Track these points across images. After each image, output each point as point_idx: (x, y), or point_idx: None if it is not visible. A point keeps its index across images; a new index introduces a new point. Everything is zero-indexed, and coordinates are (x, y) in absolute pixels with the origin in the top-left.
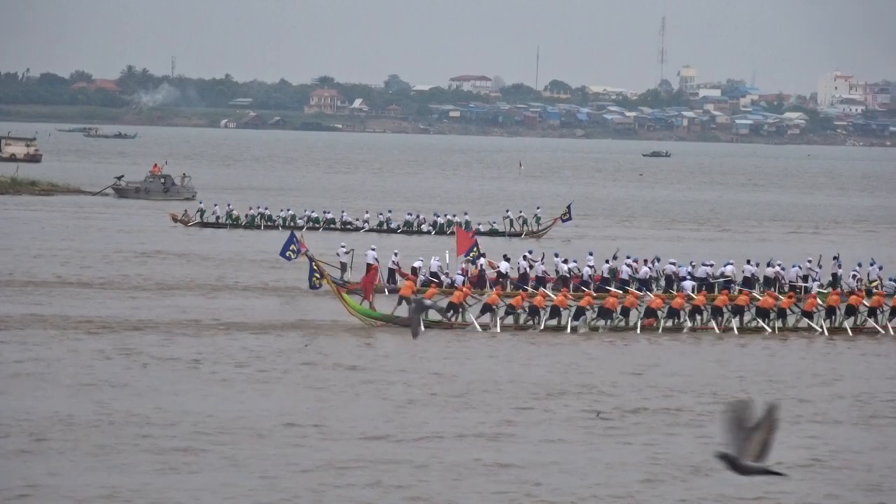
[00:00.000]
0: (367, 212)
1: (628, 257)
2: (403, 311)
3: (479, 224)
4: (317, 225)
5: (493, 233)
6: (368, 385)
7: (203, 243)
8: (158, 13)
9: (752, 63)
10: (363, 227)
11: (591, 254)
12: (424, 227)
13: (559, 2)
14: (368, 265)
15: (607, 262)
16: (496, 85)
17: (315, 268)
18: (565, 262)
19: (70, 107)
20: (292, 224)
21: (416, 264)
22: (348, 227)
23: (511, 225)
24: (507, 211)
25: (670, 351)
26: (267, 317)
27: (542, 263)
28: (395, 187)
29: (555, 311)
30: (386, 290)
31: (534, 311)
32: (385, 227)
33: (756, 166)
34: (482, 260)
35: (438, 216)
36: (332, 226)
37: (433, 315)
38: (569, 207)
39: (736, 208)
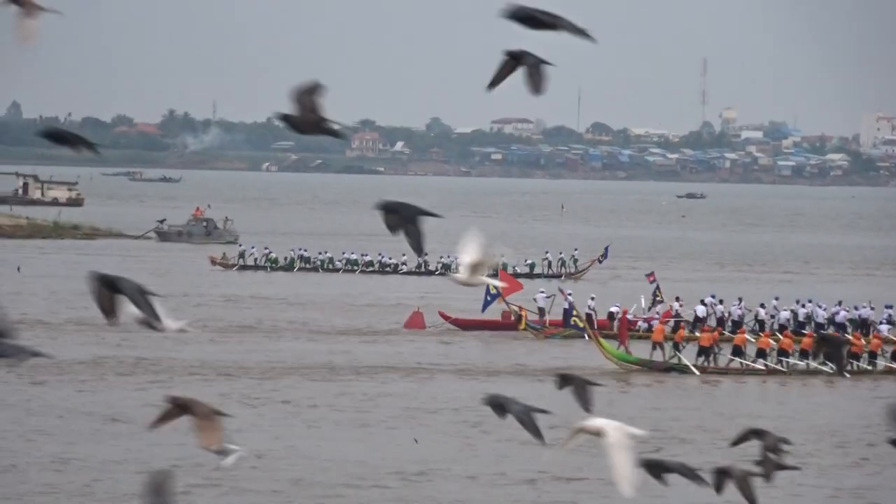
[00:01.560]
0: (403, 254)
1: (809, 301)
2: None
3: (514, 266)
4: (355, 267)
5: (531, 274)
6: None
7: (267, 286)
8: (200, 56)
9: (793, 104)
10: (401, 269)
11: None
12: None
13: (600, 44)
14: (564, 311)
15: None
16: (538, 127)
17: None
18: (762, 306)
19: (112, 151)
20: (330, 266)
21: (613, 309)
22: (386, 269)
23: (549, 266)
24: (547, 252)
25: None
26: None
27: (741, 308)
28: (435, 230)
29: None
30: (586, 335)
31: (782, 354)
32: (423, 269)
33: (799, 208)
34: (658, 307)
35: None
36: (370, 268)
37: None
38: (606, 249)
39: (789, 250)
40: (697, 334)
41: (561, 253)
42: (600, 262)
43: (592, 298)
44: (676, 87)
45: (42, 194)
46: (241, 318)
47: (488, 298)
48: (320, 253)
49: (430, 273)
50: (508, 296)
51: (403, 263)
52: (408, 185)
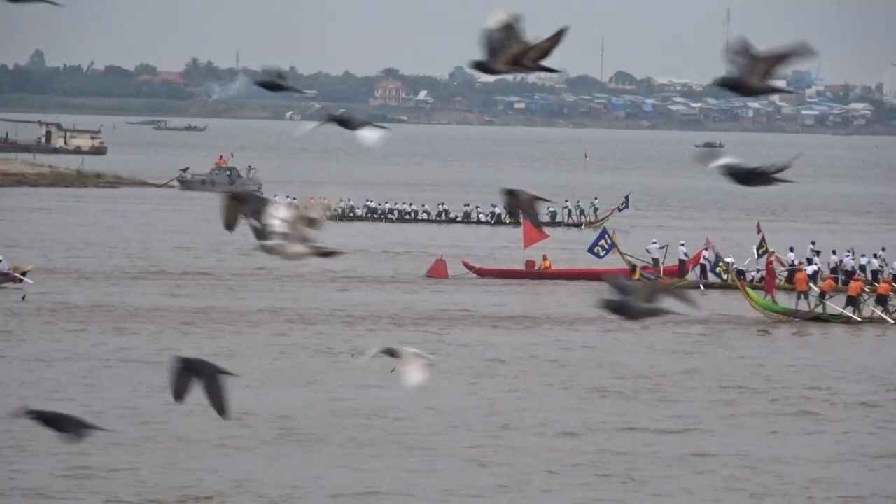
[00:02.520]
0: (423, 204)
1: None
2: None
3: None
4: (376, 216)
5: (552, 223)
6: None
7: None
8: (222, 5)
9: (817, 54)
10: (421, 217)
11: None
12: (483, 218)
13: None
14: (681, 261)
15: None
16: (561, 76)
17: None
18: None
19: (135, 99)
20: (351, 214)
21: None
22: (406, 217)
23: (569, 215)
24: (566, 201)
25: None
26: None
27: (851, 258)
28: (458, 179)
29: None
30: (701, 285)
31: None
32: (444, 217)
33: (826, 157)
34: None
35: (495, 206)
36: (390, 217)
37: (831, 309)
38: (626, 198)
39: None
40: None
41: (579, 202)
42: (620, 210)
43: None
44: (700, 36)
45: (65, 142)
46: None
47: (604, 246)
48: (341, 200)
49: (452, 221)
50: (531, 244)
51: (425, 212)
52: (431, 133)
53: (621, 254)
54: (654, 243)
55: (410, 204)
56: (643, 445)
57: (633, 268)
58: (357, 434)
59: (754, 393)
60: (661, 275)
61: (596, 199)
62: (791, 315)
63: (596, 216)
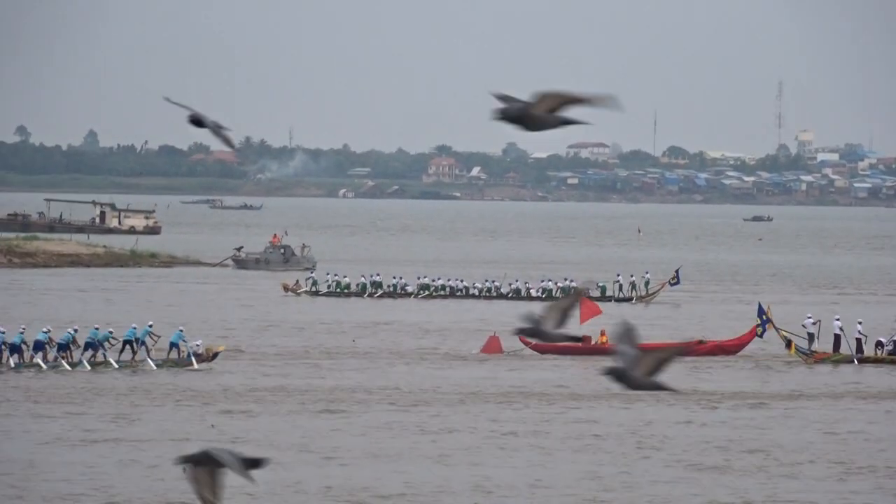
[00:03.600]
0: (473, 282)
1: None
2: None
3: (588, 289)
4: (426, 292)
5: (602, 298)
6: None
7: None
8: (275, 83)
9: (869, 127)
10: (472, 294)
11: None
12: (533, 293)
13: (676, 68)
14: (836, 335)
15: None
16: (614, 151)
17: (784, 338)
18: None
19: (188, 178)
20: (402, 291)
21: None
22: (458, 293)
23: (620, 289)
24: (618, 275)
25: None
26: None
27: None
28: (509, 254)
29: None
30: (855, 360)
31: None
32: (494, 293)
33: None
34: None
35: (544, 281)
36: (440, 293)
37: None
38: (677, 272)
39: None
40: None
41: (632, 276)
42: (672, 284)
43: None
44: (752, 110)
45: (119, 223)
46: (356, 343)
47: (763, 322)
48: (394, 278)
49: (502, 297)
50: (587, 320)
51: (475, 286)
52: (485, 210)
53: (776, 328)
54: (809, 318)
55: (462, 280)
56: None
57: (789, 342)
58: None
59: None
60: (813, 350)
61: (647, 273)
62: None
63: (647, 290)
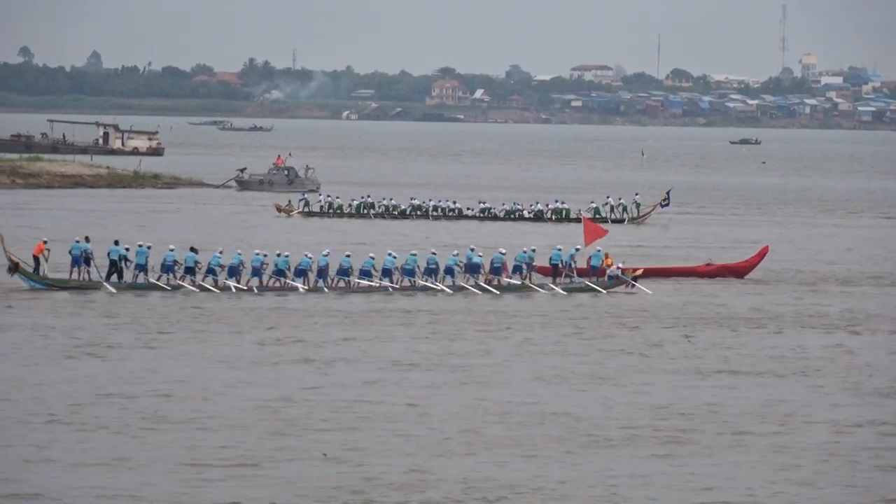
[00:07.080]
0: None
1: None
2: None
3: (579, 210)
4: (421, 212)
5: (594, 219)
6: None
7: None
8: (279, 5)
9: (873, 50)
10: (468, 215)
11: None
12: (526, 214)
13: None
14: None
15: None
16: (617, 74)
17: None
18: None
19: (192, 100)
20: (395, 212)
21: None
22: (451, 214)
23: (612, 211)
24: (608, 197)
25: None
26: None
27: None
28: (511, 177)
29: None
30: None
31: None
32: (487, 214)
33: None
34: None
35: (537, 203)
36: (434, 213)
37: None
38: (668, 193)
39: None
40: None
41: (620, 198)
42: (662, 206)
43: None
44: (756, 33)
45: (122, 144)
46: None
47: None
48: (384, 199)
49: (495, 218)
50: (591, 242)
51: (469, 209)
52: (488, 132)
53: None
54: None
55: (455, 202)
56: None
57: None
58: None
59: None
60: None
61: (637, 195)
62: None
63: (638, 212)
